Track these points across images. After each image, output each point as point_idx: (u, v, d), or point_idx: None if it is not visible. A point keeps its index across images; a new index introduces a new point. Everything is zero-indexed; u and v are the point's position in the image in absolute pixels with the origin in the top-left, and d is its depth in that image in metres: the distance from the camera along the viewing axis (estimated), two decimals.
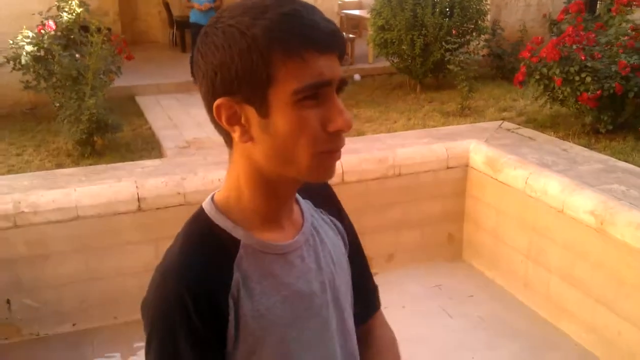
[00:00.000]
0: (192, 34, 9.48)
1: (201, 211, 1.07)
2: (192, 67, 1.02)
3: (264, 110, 0.96)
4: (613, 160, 4.93)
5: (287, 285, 1.06)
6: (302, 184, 1.10)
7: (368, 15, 9.07)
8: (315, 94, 0.96)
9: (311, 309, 1.09)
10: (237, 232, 1.03)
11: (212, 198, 1.08)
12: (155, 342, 0.99)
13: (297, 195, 1.16)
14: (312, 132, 0.96)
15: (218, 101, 0.97)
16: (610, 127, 5.60)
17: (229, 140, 1.04)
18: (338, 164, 3.39)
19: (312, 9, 0.97)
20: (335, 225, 1.23)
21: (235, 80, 0.95)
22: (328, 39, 0.96)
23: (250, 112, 0.97)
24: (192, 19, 9.04)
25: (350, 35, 10.56)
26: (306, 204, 1.18)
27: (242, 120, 0.98)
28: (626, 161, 4.93)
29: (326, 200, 1.26)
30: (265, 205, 1.06)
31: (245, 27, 0.93)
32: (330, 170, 1.02)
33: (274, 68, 0.93)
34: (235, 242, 1.03)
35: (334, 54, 0.98)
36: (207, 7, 8.79)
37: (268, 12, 0.93)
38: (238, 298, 1.00)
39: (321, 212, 1.22)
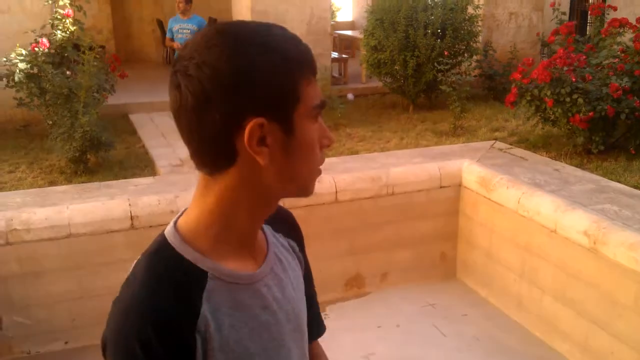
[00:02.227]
0: None
1: (164, 241, 1.03)
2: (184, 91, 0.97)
3: (289, 129, 0.99)
4: (605, 181, 4.96)
5: (254, 316, 1.05)
6: None
7: (361, 36, 9.15)
8: (318, 114, 1.04)
9: (276, 339, 1.09)
10: (205, 264, 1.01)
11: (175, 226, 1.04)
12: None
13: None
14: (317, 150, 1.04)
15: (254, 121, 0.95)
16: (602, 148, 5.64)
17: (227, 161, 0.99)
18: (332, 182, 3.47)
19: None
20: (292, 247, 1.24)
21: (271, 100, 0.97)
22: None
23: (276, 132, 0.98)
24: None
25: (343, 56, 10.63)
26: (268, 229, 1.18)
27: (268, 141, 0.98)
28: (618, 181, 4.97)
29: (285, 222, 1.26)
30: (251, 229, 1.07)
31: (280, 48, 0.98)
32: (314, 186, 1.08)
33: (301, 88, 0.99)
34: (203, 275, 1.00)
35: None
36: None
37: (278, 36, 0.99)
38: (206, 332, 0.97)
39: (280, 236, 1.22)
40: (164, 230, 1.05)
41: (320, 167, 1.07)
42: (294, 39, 1.01)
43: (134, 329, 0.93)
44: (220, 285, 1.00)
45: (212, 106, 0.94)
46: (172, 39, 7.49)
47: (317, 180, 1.07)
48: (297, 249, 1.25)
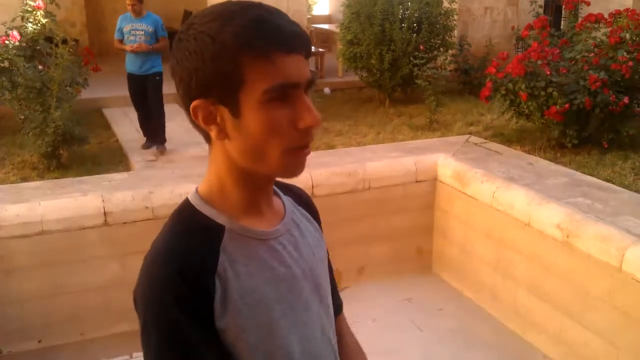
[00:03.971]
0: (128, 87, 6.49)
1: (186, 202, 1.13)
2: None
3: (236, 111, 1.02)
4: (578, 174, 5.02)
5: (270, 268, 1.10)
6: (282, 182, 1.22)
7: (337, 30, 9.13)
8: (284, 95, 1.02)
9: (293, 292, 1.13)
10: (221, 219, 1.09)
11: (197, 190, 1.14)
12: (153, 328, 1.01)
13: (278, 191, 1.23)
14: (281, 130, 1.03)
15: (194, 103, 1.03)
16: (576, 142, 5.71)
17: (207, 137, 1.09)
18: (308, 177, 3.44)
19: (277, 12, 1.04)
20: (314, 223, 1.29)
21: (209, 83, 1.02)
22: (292, 40, 1.02)
23: (224, 112, 1.03)
24: (127, 68, 6.38)
25: (320, 50, 10.61)
26: (287, 200, 1.24)
27: (218, 120, 1.04)
28: (591, 175, 5.03)
29: (306, 203, 1.32)
30: (245, 194, 1.12)
31: (215, 32, 1.00)
32: (300, 166, 1.08)
33: (243, 71, 1.00)
34: (220, 228, 1.08)
35: (300, 54, 1.04)
36: (145, 49, 6.13)
37: (235, 18, 1.00)
38: (225, 278, 1.04)
39: (302, 210, 1.28)
40: (188, 195, 1.15)
41: (306, 149, 1.07)
42: (258, 20, 1.00)
43: (161, 273, 1.01)
44: (235, 238, 1.08)
45: (178, 90, 1.07)
46: (122, 41, 6.31)
47: (303, 160, 1.08)
48: (316, 225, 1.30)
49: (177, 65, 1.04)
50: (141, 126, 6.53)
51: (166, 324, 1.00)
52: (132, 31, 6.26)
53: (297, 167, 1.07)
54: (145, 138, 6.42)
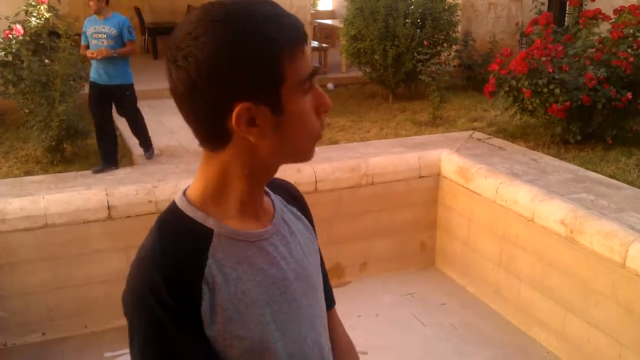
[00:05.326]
0: (88, 97, 5.63)
1: (173, 206, 1.10)
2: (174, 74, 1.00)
3: (278, 109, 1.01)
4: (582, 170, 5.01)
5: (260, 270, 1.09)
6: (272, 181, 1.20)
7: (341, 25, 9.12)
8: (310, 84, 1.04)
9: (285, 294, 1.12)
10: (209, 222, 1.07)
11: (184, 193, 1.11)
12: (138, 332, 1.01)
13: (268, 190, 1.21)
14: (312, 119, 1.06)
15: (238, 107, 0.99)
16: (579, 138, 5.70)
17: (222, 140, 1.04)
18: (311, 172, 3.47)
19: (280, 6, 1.05)
20: (303, 220, 1.28)
21: (249, 85, 0.99)
22: (304, 31, 1.05)
23: (265, 113, 1.01)
24: (91, 76, 5.62)
25: (323, 45, 10.60)
26: (277, 199, 1.23)
27: (257, 121, 1.01)
28: (595, 171, 5.02)
29: (296, 199, 1.30)
30: (246, 194, 1.10)
31: (253, 31, 0.98)
32: (314, 151, 1.10)
33: (282, 67, 1.00)
34: (209, 232, 1.06)
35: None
36: (106, 54, 5.40)
37: (255, 16, 0.99)
38: (213, 283, 1.02)
39: (291, 208, 1.26)
40: (175, 198, 1.12)
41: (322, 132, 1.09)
42: (277, 15, 1.01)
43: (145, 278, 1.00)
44: (225, 242, 1.06)
45: (200, 94, 0.99)
46: (88, 46, 5.57)
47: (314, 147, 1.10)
48: (307, 222, 1.29)
49: (207, 69, 0.97)
50: (99, 146, 5.54)
51: (151, 328, 0.99)
52: (94, 34, 5.54)
53: (312, 153, 1.10)
54: (101, 160, 5.43)
